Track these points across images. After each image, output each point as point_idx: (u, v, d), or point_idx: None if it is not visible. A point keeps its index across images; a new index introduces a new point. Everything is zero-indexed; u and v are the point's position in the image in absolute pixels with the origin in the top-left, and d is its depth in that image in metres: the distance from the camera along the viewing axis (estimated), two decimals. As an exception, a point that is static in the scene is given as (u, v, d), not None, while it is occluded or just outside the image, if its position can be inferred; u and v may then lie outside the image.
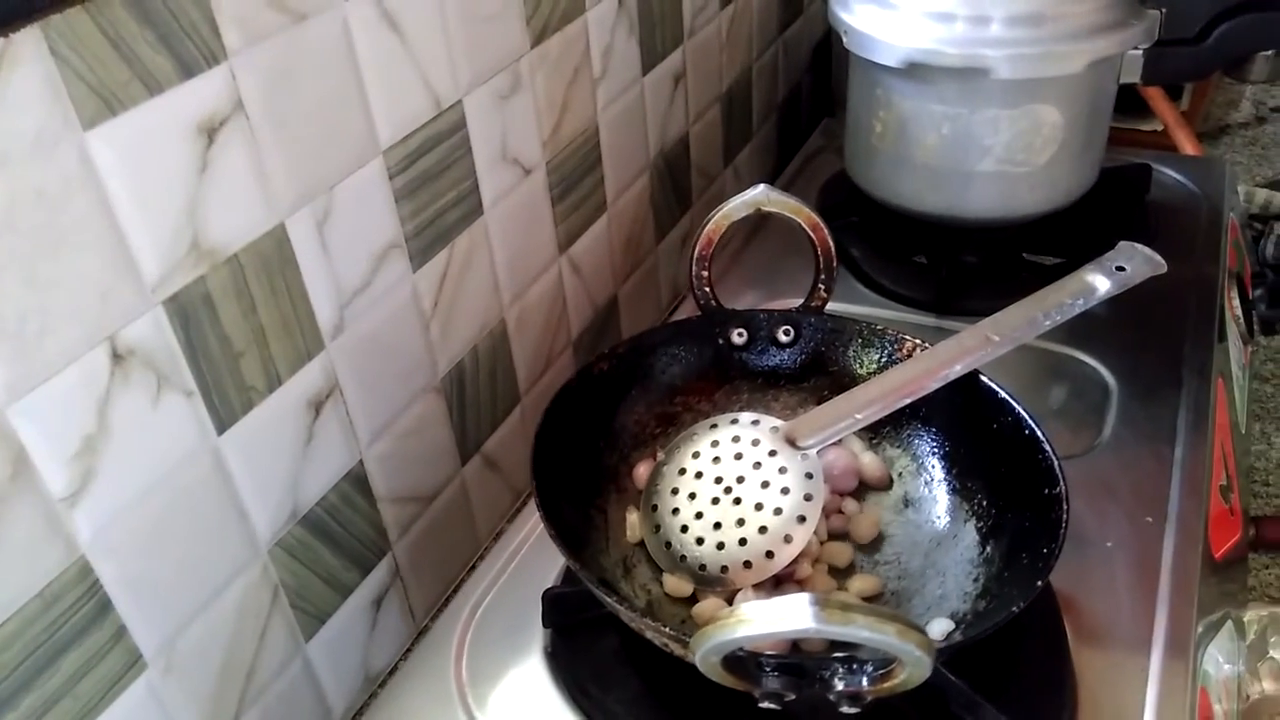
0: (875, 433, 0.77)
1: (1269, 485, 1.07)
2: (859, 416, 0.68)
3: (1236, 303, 1.06)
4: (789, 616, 0.42)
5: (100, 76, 0.48)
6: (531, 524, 0.79)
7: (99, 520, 0.52)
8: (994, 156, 0.95)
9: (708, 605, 0.66)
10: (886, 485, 0.75)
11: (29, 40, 0.45)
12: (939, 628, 0.63)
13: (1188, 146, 1.41)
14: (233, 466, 0.60)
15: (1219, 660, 0.74)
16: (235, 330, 0.59)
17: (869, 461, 0.75)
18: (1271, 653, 0.86)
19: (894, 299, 1.01)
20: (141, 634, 0.56)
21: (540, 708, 0.66)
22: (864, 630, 0.42)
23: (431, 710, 0.66)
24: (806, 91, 1.43)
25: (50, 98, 0.46)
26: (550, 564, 0.75)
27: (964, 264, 1.03)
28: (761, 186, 0.76)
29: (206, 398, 0.58)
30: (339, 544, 0.70)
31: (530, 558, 0.76)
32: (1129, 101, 1.17)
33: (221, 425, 0.59)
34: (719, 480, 0.70)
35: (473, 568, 0.84)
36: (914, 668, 0.47)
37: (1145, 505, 0.77)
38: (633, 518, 0.72)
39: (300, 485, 0.66)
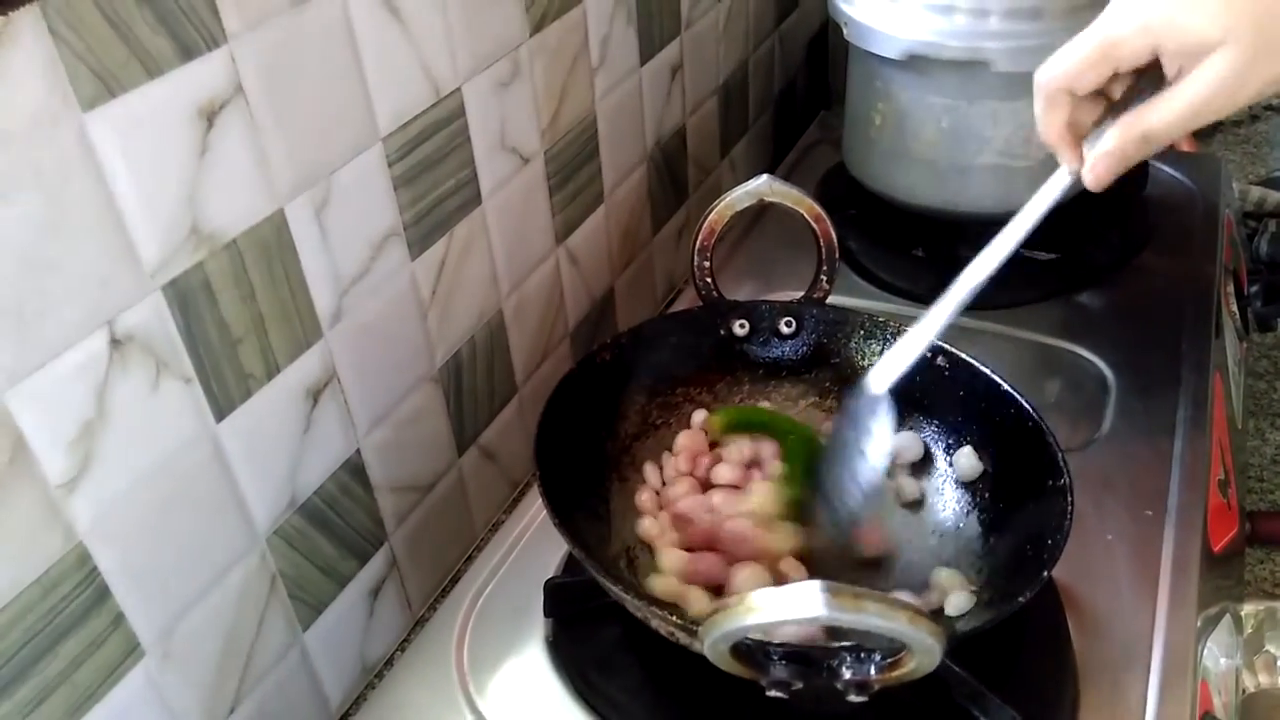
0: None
1: (1263, 481, 1.07)
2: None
3: (1233, 299, 1.06)
4: (800, 604, 0.42)
5: (100, 57, 0.47)
6: (531, 514, 0.78)
7: (97, 507, 0.52)
8: (993, 149, 0.95)
9: (694, 597, 0.66)
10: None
11: (28, 19, 0.44)
12: (957, 601, 0.63)
13: (1183, 143, 1.41)
14: (231, 454, 0.60)
15: (1217, 654, 0.74)
16: (234, 317, 0.58)
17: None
18: (1268, 647, 0.86)
19: (891, 292, 1.01)
20: (140, 622, 0.56)
21: (542, 696, 0.65)
22: (875, 618, 0.42)
23: (433, 698, 0.66)
24: (802, 84, 1.43)
25: (49, 77, 0.46)
26: (551, 554, 0.74)
27: (961, 258, 1.02)
28: (764, 176, 0.75)
29: (205, 385, 0.57)
30: (336, 533, 0.70)
31: (530, 547, 0.76)
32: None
33: (220, 413, 0.58)
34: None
35: (470, 558, 0.83)
36: (924, 656, 0.46)
37: (1145, 499, 0.77)
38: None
39: (298, 474, 0.65)
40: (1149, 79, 0.58)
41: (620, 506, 0.73)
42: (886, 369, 0.67)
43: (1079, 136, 0.61)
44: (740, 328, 0.79)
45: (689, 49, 1.05)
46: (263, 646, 0.65)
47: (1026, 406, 0.68)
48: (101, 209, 0.49)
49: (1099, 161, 0.59)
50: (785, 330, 0.79)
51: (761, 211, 0.80)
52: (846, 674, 0.51)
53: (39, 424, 0.48)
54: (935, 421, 0.75)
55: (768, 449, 0.74)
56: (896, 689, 0.52)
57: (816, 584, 0.42)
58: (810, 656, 0.52)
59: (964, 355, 0.73)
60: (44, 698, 0.51)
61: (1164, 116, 0.56)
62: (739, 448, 0.74)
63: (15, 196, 0.45)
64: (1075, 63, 0.58)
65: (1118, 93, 0.60)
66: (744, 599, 0.44)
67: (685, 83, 1.06)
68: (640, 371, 0.76)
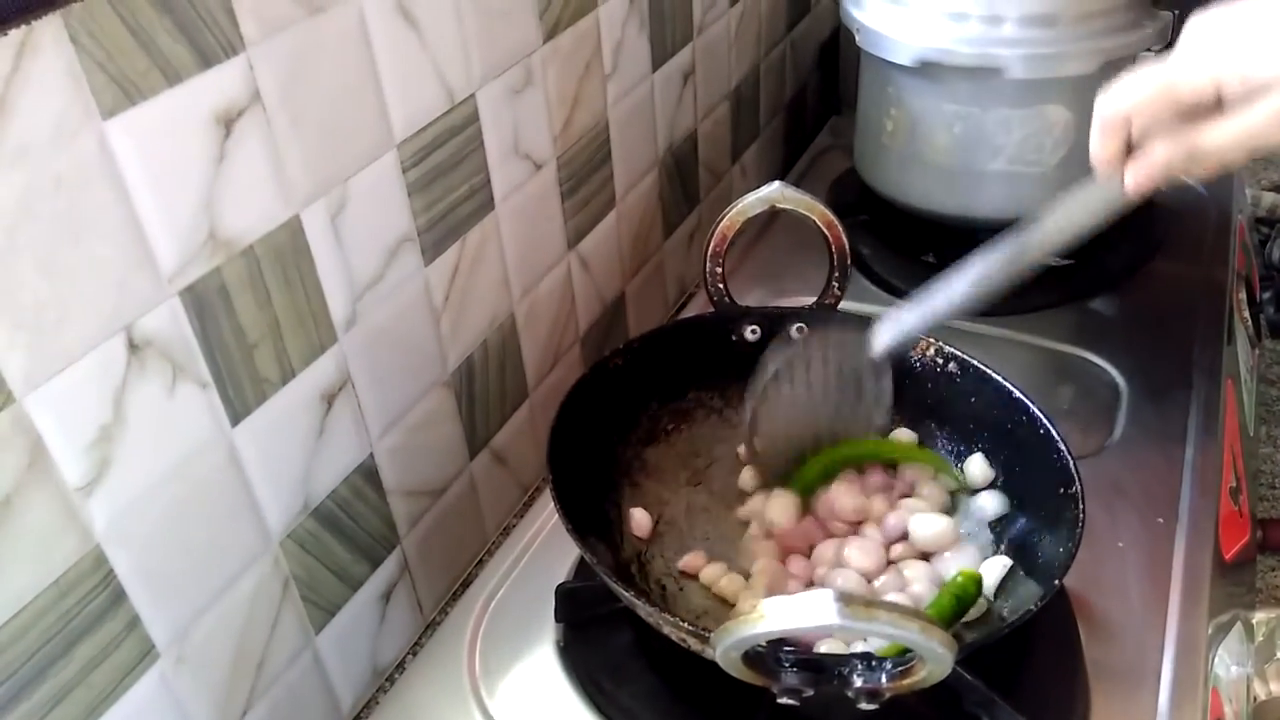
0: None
1: (1274, 489, 1.07)
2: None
3: (1245, 305, 1.06)
4: (813, 612, 0.42)
5: (120, 65, 0.48)
6: (543, 518, 0.79)
7: (114, 510, 0.52)
8: (1005, 156, 0.95)
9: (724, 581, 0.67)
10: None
11: (50, 28, 0.45)
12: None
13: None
14: (246, 458, 0.60)
15: (1228, 662, 0.73)
16: (250, 322, 0.58)
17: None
18: (1279, 655, 0.86)
19: (903, 298, 1.01)
20: (154, 624, 0.56)
21: (553, 701, 0.66)
22: (888, 626, 0.42)
23: (444, 701, 0.66)
24: (813, 90, 1.43)
25: (71, 86, 0.46)
26: (562, 559, 0.75)
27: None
28: (777, 183, 0.76)
29: (221, 389, 0.57)
30: (349, 537, 0.70)
31: (542, 552, 0.76)
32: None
33: (235, 417, 0.59)
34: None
35: (481, 562, 0.84)
36: (935, 665, 0.47)
37: (1156, 506, 0.77)
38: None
39: (312, 478, 0.66)
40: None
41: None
42: (889, 332, 0.70)
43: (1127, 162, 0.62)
44: (752, 333, 0.79)
45: (701, 55, 1.05)
46: (275, 649, 0.65)
47: (1038, 413, 0.68)
48: (121, 216, 0.50)
49: (1141, 168, 0.60)
50: (797, 336, 0.79)
51: (772, 217, 0.80)
52: (858, 681, 0.51)
53: (57, 428, 0.49)
54: (946, 428, 0.75)
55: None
56: (907, 696, 0.52)
57: (829, 592, 0.42)
58: (822, 664, 0.52)
59: (975, 361, 0.73)
60: (60, 699, 0.52)
61: (1217, 137, 0.57)
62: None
63: (36, 204, 0.45)
64: (1138, 95, 0.59)
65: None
66: (757, 607, 0.45)
67: (697, 88, 1.06)
68: (652, 377, 0.77)
